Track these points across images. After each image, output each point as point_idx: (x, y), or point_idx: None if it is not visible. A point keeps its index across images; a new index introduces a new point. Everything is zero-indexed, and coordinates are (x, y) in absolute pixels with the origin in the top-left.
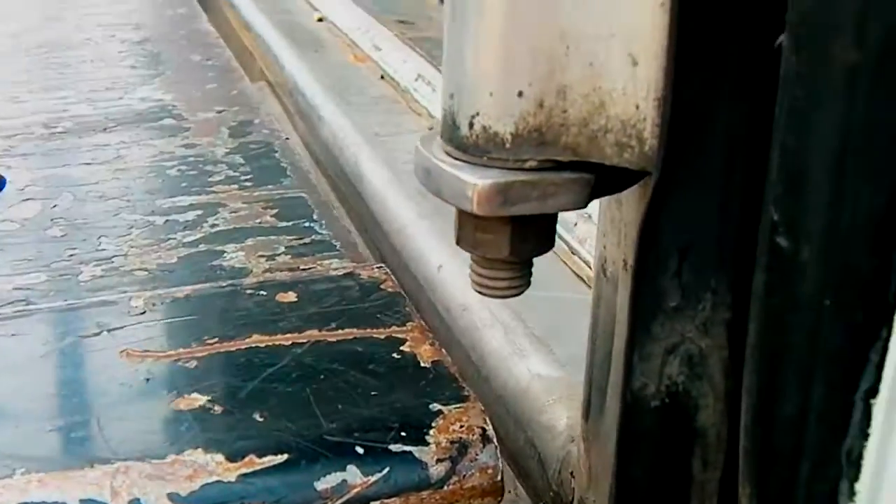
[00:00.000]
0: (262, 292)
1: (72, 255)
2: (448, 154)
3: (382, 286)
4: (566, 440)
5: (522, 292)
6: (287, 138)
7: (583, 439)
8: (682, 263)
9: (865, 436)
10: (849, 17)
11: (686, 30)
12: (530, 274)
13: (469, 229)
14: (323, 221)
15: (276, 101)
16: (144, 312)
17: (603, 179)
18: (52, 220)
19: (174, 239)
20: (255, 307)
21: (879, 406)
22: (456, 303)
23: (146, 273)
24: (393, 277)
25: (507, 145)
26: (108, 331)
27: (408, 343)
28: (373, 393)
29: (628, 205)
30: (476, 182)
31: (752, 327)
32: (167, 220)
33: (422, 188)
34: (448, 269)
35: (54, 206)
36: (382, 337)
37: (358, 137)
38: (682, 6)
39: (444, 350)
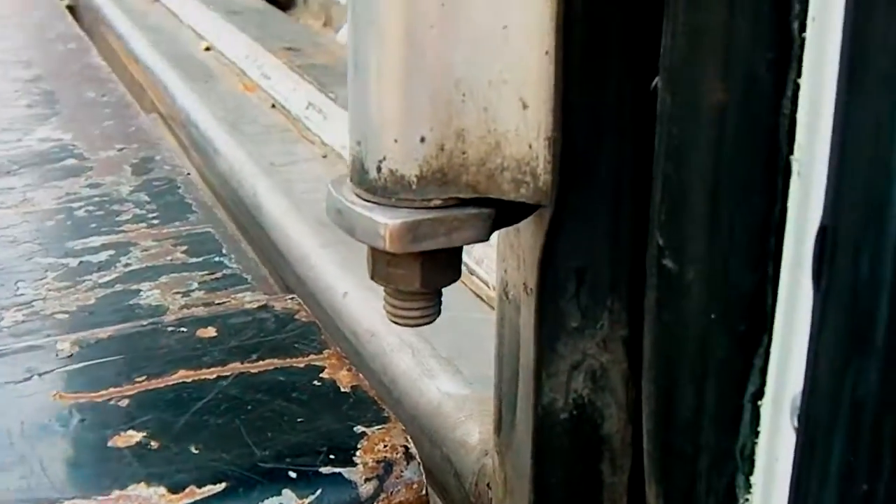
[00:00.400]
0: (182, 329)
1: None
2: (359, 196)
3: (297, 316)
4: (480, 454)
5: (434, 320)
6: (188, 174)
7: (496, 452)
8: (580, 287)
9: (756, 434)
10: (715, 61)
11: (570, 75)
12: (440, 303)
13: (382, 265)
14: (232, 255)
15: (169, 133)
16: (71, 355)
17: (502, 212)
18: None
19: (90, 280)
20: (177, 344)
21: (766, 407)
22: (363, 328)
23: (67, 315)
24: (305, 307)
25: (414, 186)
26: (38, 375)
27: (326, 370)
28: (299, 420)
29: (525, 232)
30: (387, 222)
31: (646, 342)
32: (81, 262)
33: (321, 217)
34: (353, 296)
35: None
36: (302, 365)
37: (254, 168)
38: (565, 55)
39: (360, 375)
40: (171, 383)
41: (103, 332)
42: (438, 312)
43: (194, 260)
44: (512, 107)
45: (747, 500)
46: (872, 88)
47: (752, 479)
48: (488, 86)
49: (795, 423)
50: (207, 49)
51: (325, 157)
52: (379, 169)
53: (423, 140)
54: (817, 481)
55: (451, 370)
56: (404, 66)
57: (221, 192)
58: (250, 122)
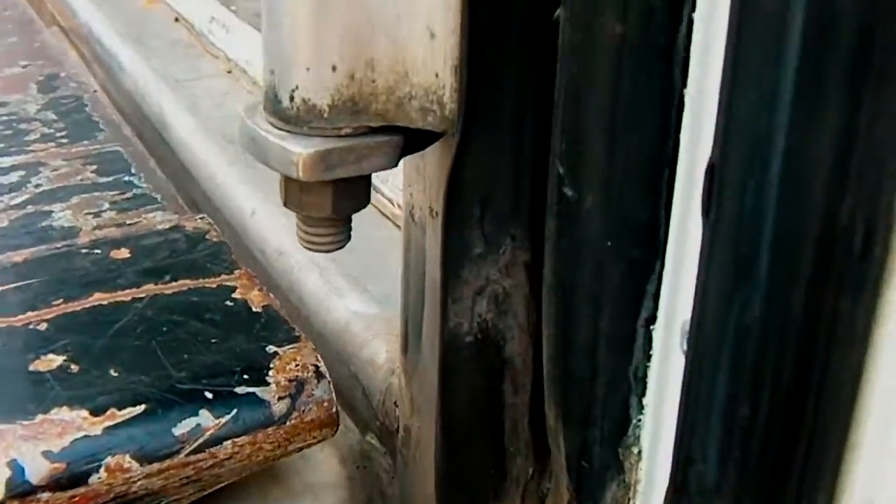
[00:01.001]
0: (96, 251)
1: None
2: (272, 125)
3: (207, 236)
4: (387, 373)
5: (345, 245)
6: (95, 91)
7: (403, 372)
8: (484, 214)
9: (648, 357)
10: None
11: (476, 6)
12: (350, 228)
13: (294, 193)
14: (141, 175)
15: (71, 47)
16: None
17: (410, 139)
18: None
19: (1, 202)
20: (91, 266)
21: (658, 332)
22: (271, 247)
23: None
24: (216, 227)
25: (325, 115)
26: None
27: (238, 290)
28: (213, 340)
29: (431, 156)
30: (300, 151)
31: (546, 267)
32: None
33: (228, 134)
34: (261, 214)
35: None
36: (214, 286)
37: (160, 85)
38: None
39: (271, 295)
40: (87, 306)
41: (18, 255)
42: (349, 238)
43: (104, 180)
44: (420, 37)
45: (640, 420)
46: (758, 28)
47: (645, 401)
48: (397, 18)
49: (685, 348)
50: None
51: (229, 72)
52: (292, 98)
53: (334, 69)
54: (704, 404)
55: (359, 289)
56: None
57: (127, 109)
58: (154, 36)
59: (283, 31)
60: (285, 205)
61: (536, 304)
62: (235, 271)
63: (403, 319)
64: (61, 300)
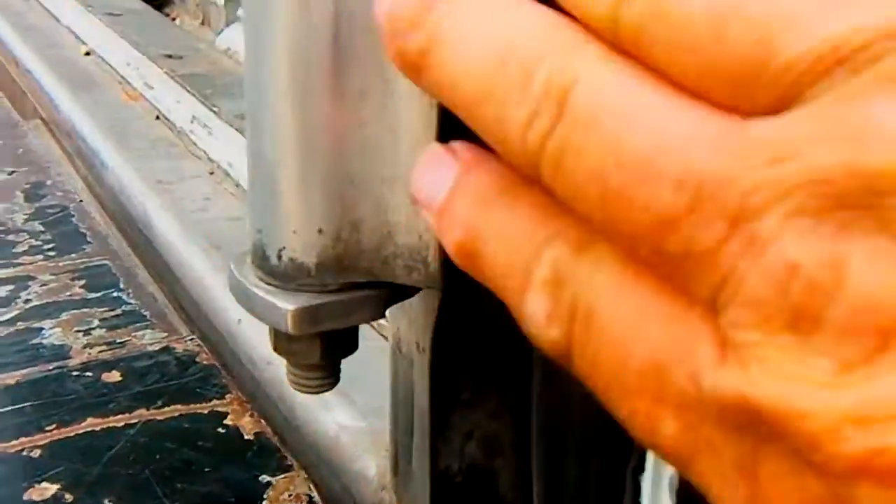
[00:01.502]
0: (88, 373)
1: None
2: (261, 279)
3: (197, 359)
4: (378, 487)
5: (334, 387)
6: (81, 200)
7: (394, 491)
8: (471, 364)
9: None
10: None
11: None
12: (339, 371)
13: (283, 340)
14: (130, 290)
15: (54, 141)
16: None
17: (396, 290)
18: None
19: None
20: (83, 389)
21: (646, 481)
22: (259, 356)
23: None
24: (205, 348)
25: (312, 273)
26: None
27: (230, 416)
28: (206, 469)
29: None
30: (288, 308)
31: (535, 413)
32: None
33: (212, 238)
34: (247, 322)
35: None
36: (206, 411)
37: (143, 186)
38: None
39: (263, 420)
40: (80, 432)
41: (10, 378)
42: (338, 380)
43: (93, 295)
44: (402, 201)
45: None
46: None
47: None
48: (381, 182)
49: (673, 499)
50: (87, 54)
51: (212, 173)
52: (279, 257)
53: (320, 231)
54: None
55: (347, 401)
56: (300, 165)
57: (112, 208)
58: (136, 135)
59: (269, 195)
60: (275, 350)
61: (526, 446)
62: (227, 396)
63: (393, 441)
64: (54, 425)
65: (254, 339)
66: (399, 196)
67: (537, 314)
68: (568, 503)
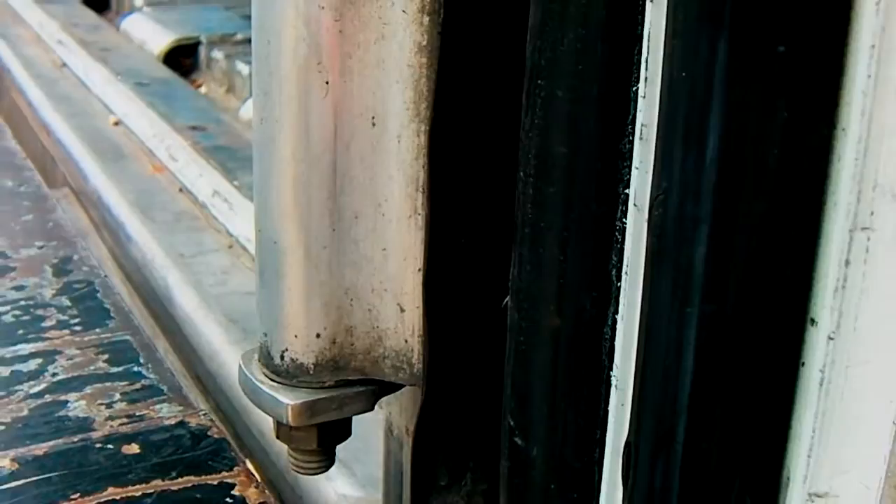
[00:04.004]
0: (109, 445)
1: None
2: (266, 375)
3: (209, 433)
4: None
5: (330, 468)
6: (105, 276)
7: None
8: (448, 453)
9: None
10: (551, 292)
11: (435, 289)
12: (335, 454)
13: (285, 430)
14: (149, 365)
15: (82, 211)
16: (12, 472)
17: (385, 386)
18: None
19: (21, 390)
20: (105, 461)
21: None
22: (268, 428)
23: (3, 427)
24: (217, 423)
25: (311, 372)
26: None
27: (237, 487)
28: None
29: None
30: (289, 403)
31: (502, 499)
32: (12, 371)
33: (229, 312)
34: None
35: None
36: (216, 483)
37: (165, 259)
38: (429, 272)
39: (267, 491)
40: (102, 500)
41: (39, 449)
42: (333, 461)
43: (115, 369)
44: (391, 310)
45: None
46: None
47: None
48: (372, 292)
49: None
50: (116, 124)
51: (230, 247)
52: (282, 357)
53: (318, 336)
54: None
55: (347, 472)
56: (303, 277)
57: (135, 279)
58: (160, 207)
59: (274, 304)
60: (277, 437)
61: None
62: (235, 468)
63: None
64: (78, 494)
65: (265, 415)
66: (388, 305)
67: None
68: None
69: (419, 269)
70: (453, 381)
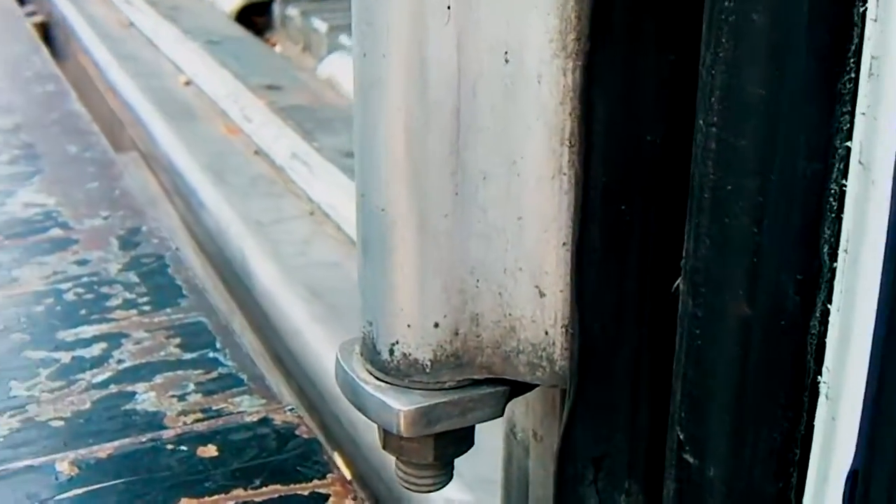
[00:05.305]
0: (182, 447)
1: None
2: (370, 373)
3: (297, 432)
4: None
5: (446, 485)
6: (177, 248)
7: None
8: (598, 473)
9: None
10: (740, 274)
11: (588, 270)
12: (453, 468)
13: (394, 439)
14: (226, 351)
15: (150, 176)
16: (71, 478)
17: (517, 386)
18: None
19: (84, 379)
20: (178, 465)
21: None
22: (362, 419)
23: (63, 423)
24: (305, 421)
25: (427, 370)
26: (40, 502)
27: (332, 499)
28: None
29: None
30: (401, 408)
31: None
32: (73, 357)
33: (311, 285)
34: None
35: None
36: (306, 493)
37: (240, 227)
38: (582, 248)
39: (366, 502)
40: None
41: (102, 451)
42: (451, 477)
43: (189, 356)
44: (528, 294)
45: None
46: None
47: None
48: (504, 273)
49: None
50: (187, 83)
51: (311, 213)
52: (391, 351)
53: (437, 325)
54: None
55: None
56: (417, 253)
57: (208, 248)
58: (234, 171)
59: (382, 286)
60: (384, 448)
61: None
62: (328, 475)
63: None
64: None
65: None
66: (523, 288)
67: None
68: None
69: (564, 244)
70: (608, 383)
